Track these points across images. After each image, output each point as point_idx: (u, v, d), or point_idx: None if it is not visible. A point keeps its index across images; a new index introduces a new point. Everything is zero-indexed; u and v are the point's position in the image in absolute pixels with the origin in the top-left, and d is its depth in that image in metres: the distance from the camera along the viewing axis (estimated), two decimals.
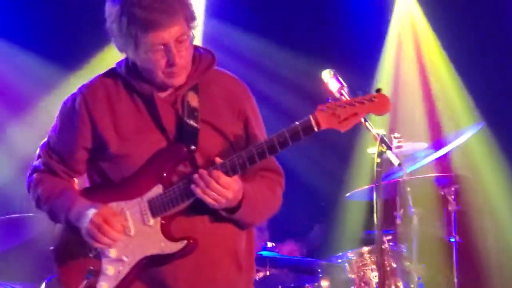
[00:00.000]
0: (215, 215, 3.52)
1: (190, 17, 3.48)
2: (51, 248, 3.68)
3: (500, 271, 6.81)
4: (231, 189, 3.41)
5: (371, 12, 7.48)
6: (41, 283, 5.99)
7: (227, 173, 3.40)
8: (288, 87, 7.34)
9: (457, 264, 5.95)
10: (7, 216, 5.85)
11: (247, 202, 3.49)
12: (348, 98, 3.49)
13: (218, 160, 3.43)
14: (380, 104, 3.40)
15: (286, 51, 7.30)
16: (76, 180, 3.76)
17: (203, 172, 3.40)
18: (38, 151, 3.75)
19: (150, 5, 3.39)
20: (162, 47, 3.42)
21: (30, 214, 5.94)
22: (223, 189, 3.39)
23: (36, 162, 3.73)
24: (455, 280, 5.96)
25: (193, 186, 3.40)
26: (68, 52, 7.08)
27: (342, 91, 3.64)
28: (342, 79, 3.72)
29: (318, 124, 3.38)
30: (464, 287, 6.10)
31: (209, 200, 3.41)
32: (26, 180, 3.75)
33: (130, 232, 3.51)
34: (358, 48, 7.31)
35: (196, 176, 3.40)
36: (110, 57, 7.00)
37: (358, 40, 7.33)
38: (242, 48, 7.36)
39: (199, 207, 3.48)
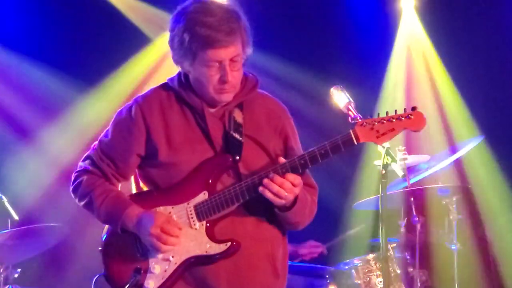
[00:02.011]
0: (255, 220, 3.75)
1: (246, 42, 3.72)
2: (100, 248, 3.87)
3: (499, 277, 6.89)
4: (300, 186, 3.65)
5: (376, 30, 7.57)
6: None
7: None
8: (295, 103, 7.36)
9: (457, 270, 6.08)
10: (28, 226, 5.95)
11: (300, 200, 3.69)
12: (386, 115, 3.67)
13: (281, 160, 3.65)
14: (417, 121, 3.67)
15: (292, 67, 7.35)
16: (119, 185, 3.90)
17: (276, 176, 3.60)
18: (87, 152, 3.90)
19: (213, 24, 3.62)
20: (217, 64, 3.65)
21: (52, 224, 6.12)
22: (294, 187, 3.61)
23: (83, 164, 3.88)
24: (456, 285, 6.10)
25: (261, 188, 3.60)
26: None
27: (349, 106, 3.81)
28: (349, 94, 3.89)
29: (357, 138, 3.61)
30: None
31: (278, 200, 3.62)
32: (72, 179, 3.89)
33: None
34: (364, 64, 7.41)
35: (267, 180, 3.60)
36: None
37: (364, 56, 7.43)
38: (246, 65, 7.34)
39: (240, 212, 3.72)
